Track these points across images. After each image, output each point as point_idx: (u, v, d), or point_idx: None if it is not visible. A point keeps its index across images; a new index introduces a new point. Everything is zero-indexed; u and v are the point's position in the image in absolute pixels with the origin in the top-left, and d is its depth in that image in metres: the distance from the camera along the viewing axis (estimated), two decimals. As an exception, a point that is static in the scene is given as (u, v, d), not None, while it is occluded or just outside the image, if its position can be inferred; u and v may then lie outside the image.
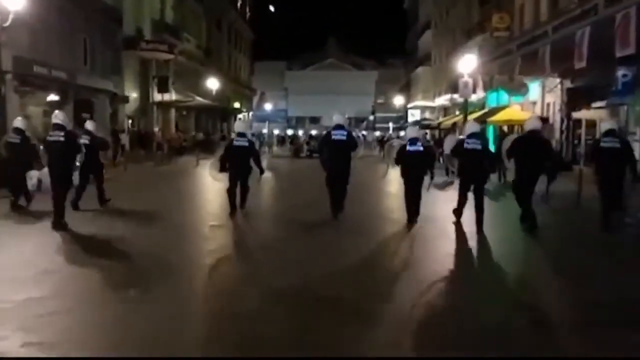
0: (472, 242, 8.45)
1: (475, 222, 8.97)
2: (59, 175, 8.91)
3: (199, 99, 37.07)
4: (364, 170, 22.18)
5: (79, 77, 22.80)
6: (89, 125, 11.48)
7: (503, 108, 24.50)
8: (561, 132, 21.31)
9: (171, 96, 35.78)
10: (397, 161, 9.82)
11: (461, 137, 10.82)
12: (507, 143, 10.91)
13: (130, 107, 30.14)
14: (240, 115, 62.47)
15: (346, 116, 11.66)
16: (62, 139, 8.86)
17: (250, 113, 73.13)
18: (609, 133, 9.28)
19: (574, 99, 20.43)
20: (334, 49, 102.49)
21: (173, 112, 36.93)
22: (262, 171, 10.71)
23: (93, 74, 24.77)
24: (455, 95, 34.02)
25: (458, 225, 9.32)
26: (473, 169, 9.09)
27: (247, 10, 65.06)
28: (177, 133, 35.18)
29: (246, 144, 10.32)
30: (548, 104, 23.36)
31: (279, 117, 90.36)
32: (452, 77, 40.65)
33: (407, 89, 61.60)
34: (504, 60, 20.65)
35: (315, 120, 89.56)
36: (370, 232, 9.16)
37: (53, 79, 20.78)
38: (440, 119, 35.51)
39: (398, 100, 57.59)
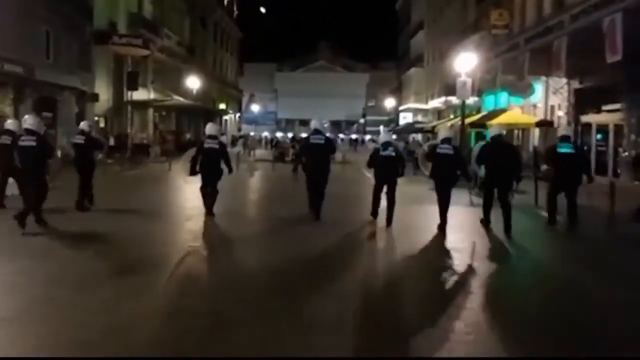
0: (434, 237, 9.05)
1: (439, 217, 9.48)
2: (33, 179, 8.88)
3: (178, 98, 34.94)
4: (353, 178, 20.22)
5: (39, 72, 20.65)
6: (84, 125, 11.56)
7: (503, 111, 22.59)
8: (568, 137, 19.42)
9: (149, 95, 33.76)
10: (370, 164, 10.26)
11: (435, 142, 11.44)
12: (475, 150, 11.64)
13: (101, 106, 28.00)
14: (226, 117, 60.46)
15: (324, 121, 11.26)
16: (34, 143, 8.79)
17: (237, 115, 71.24)
18: (564, 139, 9.90)
19: (583, 101, 18.62)
20: (325, 51, 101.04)
21: (151, 112, 34.78)
22: (231, 171, 10.83)
23: (56, 69, 22.60)
24: (451, 98, 32.17)
25: (442, 227, 9.46)
26: (445, 172, 9.55)
27: (235, 8, 63.02)
28: (168, 134, 33.23)
29: (216, 146, 10.40)
30: (552, 107, 21.53)
31: (268, 119, 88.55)
32: (446, 78, 38.89)
33: (398, 91, 59.79)
34: (509, 56, 18.70)
35: (305, 123, 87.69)
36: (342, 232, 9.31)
37: (6, 73, 18.67)
38: (435, 123, 33.50)
39: (389, 102, 55.68)
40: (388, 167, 9.85)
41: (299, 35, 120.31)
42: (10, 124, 10.84)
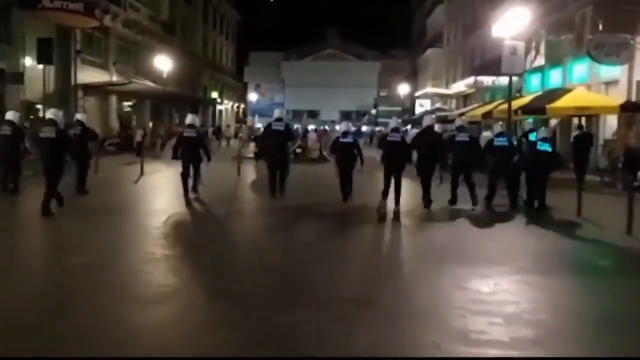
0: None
1: (394, 198, 10.13)
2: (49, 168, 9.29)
3: (148, 83, 28.79)
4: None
5: None
6: (80, 116, 12.44)
7: (565, 91, 16.11)
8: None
9: (111, 78, 27.70)
10: (332, 150, 12.09)
11: (385, 130, 13.59)
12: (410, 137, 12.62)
13: (38, 91, 22.05)
14: (221, 107, 54.41)
15: (284, 111, 13.25)
16: (53, 135, 9.25)
17: (237, 105, 65.34)
18: (460, 129, 11.50)
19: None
20: (334, 38, 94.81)
21: (114, 99, 28.69)
22: (209, 159, 11.52)
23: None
24: (482, 78, 25.75)
25: (383, 202, 10.16)
26: (394, 158, 10.42)
27: (232, -12, 56.68)
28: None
29: (194, 134, 11.30)
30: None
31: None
32: (474, 56, 32.43)
33: (413, 76, 53.31)
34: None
35: (313, 114, 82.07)
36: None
37: None
38: (463, 110, 26.81)
39: (403, 89, 49.09)
40: (346, 152, 11.40)
41: (307, 22, 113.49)
42: (10, 114, 11.37)
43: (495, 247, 7.54)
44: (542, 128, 11.78)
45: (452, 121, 26.70)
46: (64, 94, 23.71)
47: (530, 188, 10.60)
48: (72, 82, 24.09)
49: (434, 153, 10.78)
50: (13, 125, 10.88)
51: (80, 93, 24.73)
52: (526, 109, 15.06)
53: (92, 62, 26.75)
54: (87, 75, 25.41)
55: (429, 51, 44.41)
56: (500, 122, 12.78)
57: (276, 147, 11.55)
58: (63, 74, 23.78)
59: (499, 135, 10.97)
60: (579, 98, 15.05)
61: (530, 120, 15.36)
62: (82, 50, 25.26)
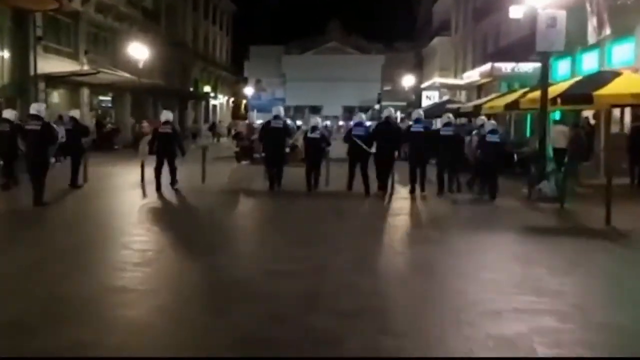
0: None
1: (363, 187, 11.56)
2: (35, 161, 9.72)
3: (123, 74, 25.72)
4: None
5: None
6: (73, 113, 13.29)
7: (614, 75, 12.91)
8: None
9: (82, 68, 24.71)
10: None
11: (351, 124, 14.84)
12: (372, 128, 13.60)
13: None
14: (215, 102, 51.50)
15: (281, 108, 13.55)
16: (38, 128, 9.63)
17: (232, 100, 62.47)
18: (446, 125, 12.12)
19: None
20: (336, 30, 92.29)
21: (86, 92, 25.70)
22: (183, 154, 12.20)
23: None
24: (499, 65, 22.57)
25: (349, 191, 11.77)
26: (358, 151, 11.70)
27: (225, -24, 53.55)
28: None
29: (170, 131, 11.90)
30: None
31: (276, 106, 79.48)
32: (485, 43, 29.39)
33: (419, 68, 50.25)
34: None
35: (316, 110, 79.17)
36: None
37: None
38: (478, 101, 23.51)
39: (408, 80, 45.93)
40: (314, 147, 12.31)
41: (308, 15, 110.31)
42: (7, 112, 11.91)
43: (561, 308, 4.39)
44: (491, 121, 12.28)
45: (461, 115, 23.72)
46: (22, 85, 20.79)
47: (481, 178, 11.47)
48: (32, 72, 21.13)
49: (393, 143, 11.69)
50: (10, 123, 11.34)
51: (41, 85, 21.77)
52: (567, 97, 11.97)
53: (58, 50, 23.83)
54: (52, 65, 22.48)
55: (436, 40, 41.32)
56: (449, 115, 13.09)
57: (275, 144, 12.31)
58: (21, 63, 20.87)
59: (446, 125, 12.12)
60: (633, 83, 11.95)
61: (483, 117, 14.08)
62: (45, 37, 22.30)
